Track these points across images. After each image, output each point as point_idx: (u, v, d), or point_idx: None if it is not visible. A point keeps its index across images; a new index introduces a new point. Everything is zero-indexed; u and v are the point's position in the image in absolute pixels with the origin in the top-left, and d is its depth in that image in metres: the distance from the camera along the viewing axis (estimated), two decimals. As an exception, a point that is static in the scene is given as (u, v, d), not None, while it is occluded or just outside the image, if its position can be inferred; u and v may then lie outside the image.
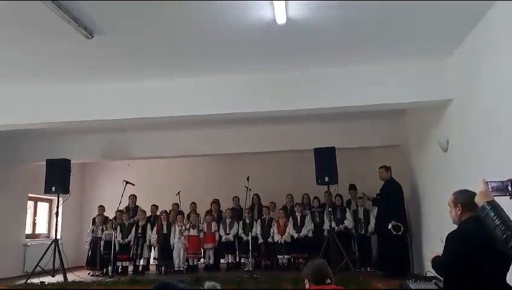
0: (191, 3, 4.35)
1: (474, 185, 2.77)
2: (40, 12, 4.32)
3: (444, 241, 2.95)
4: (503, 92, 4.39)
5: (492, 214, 2.39)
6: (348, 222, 8.79)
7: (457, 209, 2.96)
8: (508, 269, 2.74)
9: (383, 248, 7.81)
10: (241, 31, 4.98)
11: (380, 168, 8.10)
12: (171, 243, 9.21)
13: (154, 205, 10.24)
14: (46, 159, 8.70)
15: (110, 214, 9.84)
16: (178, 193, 10.10)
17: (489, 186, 2.58)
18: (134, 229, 9.51)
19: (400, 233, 7.30)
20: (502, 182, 2.61)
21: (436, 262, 3.00)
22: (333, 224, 8.29)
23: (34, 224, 10.65)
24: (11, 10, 4.38)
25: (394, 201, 7.64)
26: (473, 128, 5.23)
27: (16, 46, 5.32)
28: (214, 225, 9.56)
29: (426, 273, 5.60)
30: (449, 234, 2.92)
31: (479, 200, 2.53)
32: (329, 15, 4.68)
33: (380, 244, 8.05)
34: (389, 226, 7.36)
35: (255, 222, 9.48)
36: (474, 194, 2.75)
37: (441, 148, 6.29)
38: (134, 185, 9.44)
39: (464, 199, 2.94)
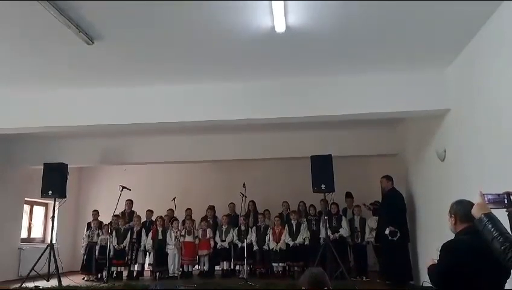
0: (191, 11, 4.37)
1: (472, 195, 2.79)
2: (41, 17, 4.33)
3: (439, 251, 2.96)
4: (501, 102, 4.41)
5: (489, 226, 2.40)
6: (344, 231, 8.78)
7: (452, 219, 2.97)
8: (505, 281, 2.74)
9: (385, 257, 7.79)
10: (240, 38, 5.00)
11: (382, 177, 8.10)
12: (166, 249, 9.19)
13: (149, 210, 10.20)
14: (44, 163, 8.64)
15: (106, 219, 9.81)
16: (174, 199, 10.08)
17: (486, 198, 2.61)
18: (129, 234, 9.49)
19: (395, 239, 7.30)
20: (498, 194, 2.64)
21: (431, 271, 3.01)
22: (329, 232, 8.27)
23: (30, 228, 10.61)
24: (10, 13, 4.39)
25: (396, 211, 7.63)
26: (471, 138, 5.25)
27: (15, 50, 5.33)
28: (209, 232, 9.52)
29: (423, 283, 5.61)
30: (444, 243, 2.92)
31: (476, 213, 2.55)
32: (328, 24, 4.71)
33: (382, 254, 8.03)
34: (386, 231, 7.37)
35: (250, 229, 9.44)
36: (471, 204, 2.76)
37: (438, 158, 6.32)
38: (130, 190, 9.44)
39: (458, 210, 2.94)
